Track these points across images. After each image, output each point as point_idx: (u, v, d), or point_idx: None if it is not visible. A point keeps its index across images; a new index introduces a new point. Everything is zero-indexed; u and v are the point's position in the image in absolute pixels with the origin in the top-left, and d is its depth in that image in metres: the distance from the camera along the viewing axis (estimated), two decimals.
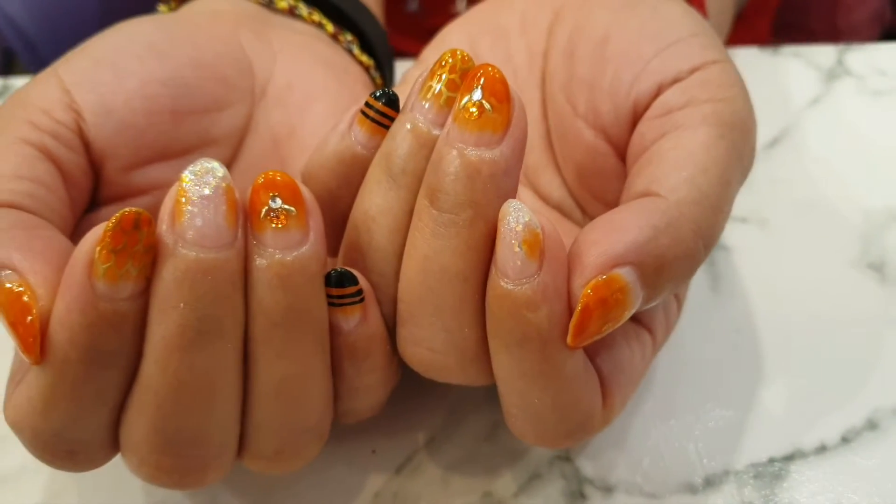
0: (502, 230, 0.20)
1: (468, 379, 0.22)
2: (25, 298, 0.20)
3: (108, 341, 0.20)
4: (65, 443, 0.21)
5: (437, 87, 0.21)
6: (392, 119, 0.22)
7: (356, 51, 0.30)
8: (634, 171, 0.23)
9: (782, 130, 0.35)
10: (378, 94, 0.22)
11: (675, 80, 0.23)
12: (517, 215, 0.20)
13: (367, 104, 0.22)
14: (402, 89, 0.28)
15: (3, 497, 0.26)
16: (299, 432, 0.22)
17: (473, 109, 0.20)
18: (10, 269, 0.20)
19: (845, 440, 0.26)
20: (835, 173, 0.33)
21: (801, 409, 0.27)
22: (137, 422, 0.21)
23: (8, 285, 0.20)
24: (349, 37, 0.30)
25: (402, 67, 0.33)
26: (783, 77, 0.37)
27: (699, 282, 0.30)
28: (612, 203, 0.25)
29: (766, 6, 0.55)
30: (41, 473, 0.27)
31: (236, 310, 0.20)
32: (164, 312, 0.19)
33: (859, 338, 0.28)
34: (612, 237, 0.20)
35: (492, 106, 0.20)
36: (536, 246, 0.20)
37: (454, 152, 0.20)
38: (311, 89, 0.28)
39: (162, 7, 0.30)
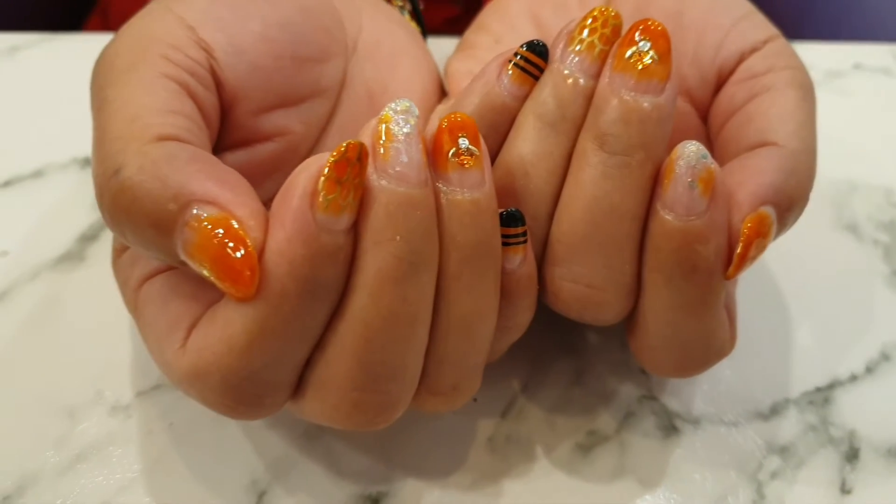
0: (678, 168, 0.22)
1: (616, 314, 0.24)
2: (236, 229, 0.19)
3: (326, 273, 0.19)
4: (256, 386, 0.20)
5: (590, 39, 0.23)
6: (540, 69, 0.24)
7: (407, 16, 0.31)
8: (735, 126, 0.26)
9: None
10: (530, 45, 0.23)
11: (754, 49, 0.26)
12: (697, 153, 0.22)
13: (517, 54, 0.23)
14: (466, 54, 0.30)
15: (97, 468, 0.24)
16: (473, 366, 0.23)
17: (647, 59, 0.22)
18: (206, 203, 0.19)
19: (869, 370, 0.30)
20: None
21: (829, 346, 0.30)
22: (341, 358, 0.20)
23: (207, 217, 0.19)
24: (400, 2, 0.31)
25: None
26: None
27: None
28: None
29: None
30: (132, 441, 0.25)
31: (436, 245, 0.21)
32: (379, 245, 0.20)
33: (855, 286, 0.33)
34: (756, 179, 0.23)
35: (658, 56, 0.22)
36: (710, 183, 0.22)
37: (625, 99, 0.22)
38: (396, 47, 0.28)
39: None
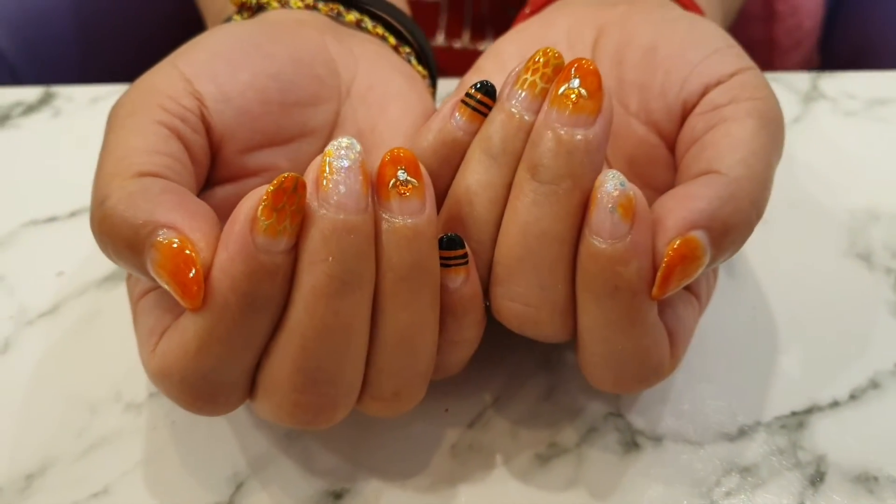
0: (599, 195, 0.24)
1: (555, 331, 0.26)
2: (187, 252, 0.22)
3: (264, 288, 0.22)
4: (210, 385, 0.24)
5: (532, 78, 0.25)
6: (489, 107, 0.26)
7: (414, 62, 0.34)
8: (690, 157, 0.27)
9: None
10: (478, 86, 0.26)
11: (719, 82, 0.28)
12: (615, 181, 0.23)
13: (467, 94, 0.26)
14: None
15: (107, 456, 0.28)
16: (413, 376, 0.25)
17: (573, 96, 0.24)
18: (168, 228, 0.23)
19: (853, 397, 0.30)
20: (820, 180, 0.38)
21: (814, 372, 0.31)
22: (282, 363, 0.23)
23: (166, 241, 0.23)
24: (407, 49, 0.34)
25: None
26: None
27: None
28: (659, 187, 0.29)
29: None
30: (139, 434, 0.29)
31: (371, 265, 0.23)
32: (314, 265, 0.22)
33: (856, 313, 0.33)
34: (687, 205, 0.24)
35: (587, 92, 0.24)
36: (630, 209, 0.23)
37: (554, 132, 0.24)
38: (388, 91, 0.31)
39: (235, 17, 0.33)
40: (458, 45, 0.57)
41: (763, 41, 0.68)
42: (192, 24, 0.47)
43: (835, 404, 0.30)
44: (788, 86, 0.43)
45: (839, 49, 0.71)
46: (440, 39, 0.57)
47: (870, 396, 0.30)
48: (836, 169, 0.39)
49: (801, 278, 0.34)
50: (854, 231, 0.36)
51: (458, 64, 0.54)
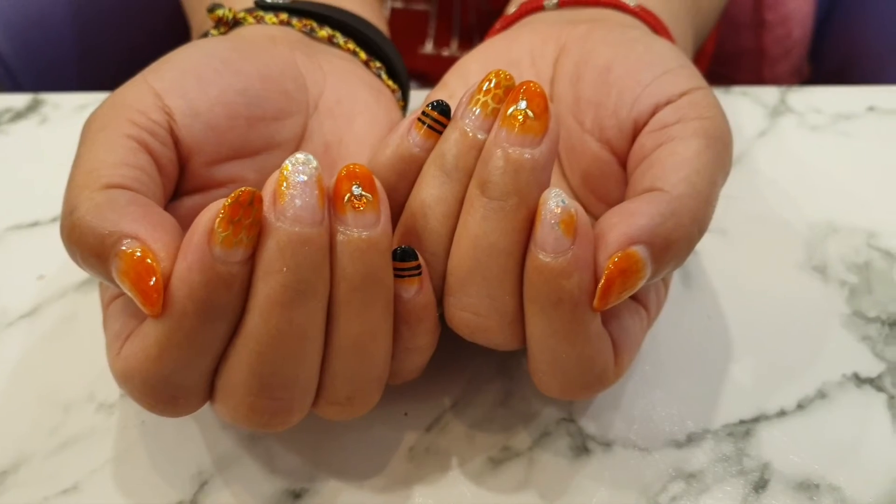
0: (543, 212, 0.25)
1: (504, 339, 0.27)
2: (149, 261, 0.24)
3: (221, 297, 0.24)
4: (170, 388, 0.25)
5: (484, 99, 0.26)
6: (444, 125, 0.27)
7: (384, 76, 0.35)
8: (638, 174, 0.28)
9: (736, 157, 0.40)
10: (433, 105, 0.27)
11: (669, 102, 0.29)
12: (557, 200, 0.25)
13: (423, 112, 0.27)
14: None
15: (78, 454, 0.30)
16: (367, 381, 0.26)
17: (520, 117, 0.25)
18: (132, 238, 0.24)
19: (800, 406, 0.31)
20: (782, 193, 0.39)
21: (764, 381, 0.32)
22: (238, 368, 0.25)
23: (129, 251, 0.24)
24: (378, 64, 0.35)
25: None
26: (735, 113, 0.43)
27: (674, 279, 0.35)
28: (612, 202, 0.30)
29: (700, 60, 0.61)
30: (109, 433, 0.30)
31: (325, 276, 0.24)
32: (269, 274, 0.24)
33: (809, 325, 0.34)
34: (629, 221, 0.25)
35: (534, 114, 0.25)
36: (571, 225, 0.25)
37: (502, 151, 0.25)
38: (355, 105, 0.32)
39: (213, 31, 0.34)
40: (446, 52, 0.58)
41: (752, 50, 0.69)
42: (188, 29, 0.48)
43: (782, 413, 0.31)
44: (756, 99, 0.44)
45: (829, 58, 0.71)
46: (429, 48, 0.58)
47: (816, 406, 0.31)
48: (799, 182, 0.40)
49: (756, 289, 0.35)
50: (812, 244, 0.37)
51: (446, 72, 0.56)
